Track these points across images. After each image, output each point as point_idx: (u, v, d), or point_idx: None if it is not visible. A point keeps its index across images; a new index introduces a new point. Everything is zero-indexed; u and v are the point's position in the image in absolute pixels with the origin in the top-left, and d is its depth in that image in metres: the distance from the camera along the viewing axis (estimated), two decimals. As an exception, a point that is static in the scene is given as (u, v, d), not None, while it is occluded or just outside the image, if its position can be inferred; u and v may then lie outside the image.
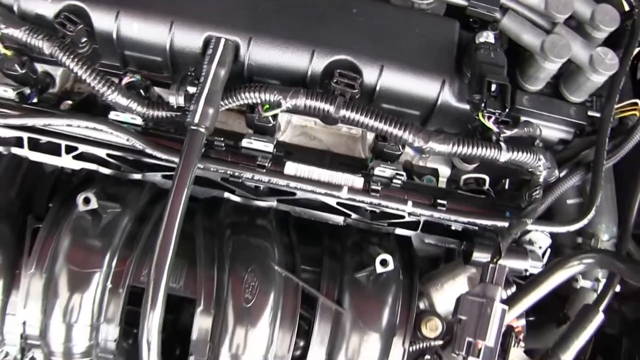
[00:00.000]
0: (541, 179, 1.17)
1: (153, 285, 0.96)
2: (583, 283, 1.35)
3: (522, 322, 1.28)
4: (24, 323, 1.09)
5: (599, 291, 1.21)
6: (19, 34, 1.07)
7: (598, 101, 1.30)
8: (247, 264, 1.10)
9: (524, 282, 1.09)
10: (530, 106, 1.24)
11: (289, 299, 1.10)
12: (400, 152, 1.19)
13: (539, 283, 1.01)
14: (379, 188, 1.14)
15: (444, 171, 1.36)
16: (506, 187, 1.34)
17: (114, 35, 1.12)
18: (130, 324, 1.12)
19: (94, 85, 1.07)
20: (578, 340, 1.07)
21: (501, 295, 0.94)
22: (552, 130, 1.27)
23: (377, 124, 1.07)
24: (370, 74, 1.13)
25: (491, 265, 0.96)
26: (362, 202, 1.14)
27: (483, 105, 1.07)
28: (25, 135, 1.13)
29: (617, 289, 1.37)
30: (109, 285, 1.07)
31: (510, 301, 1.00)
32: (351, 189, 1.13)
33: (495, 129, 1.09)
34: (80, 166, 1.16)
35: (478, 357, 0.91)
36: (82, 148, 1.13)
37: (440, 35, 1.17)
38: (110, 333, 1.08)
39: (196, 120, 1.03)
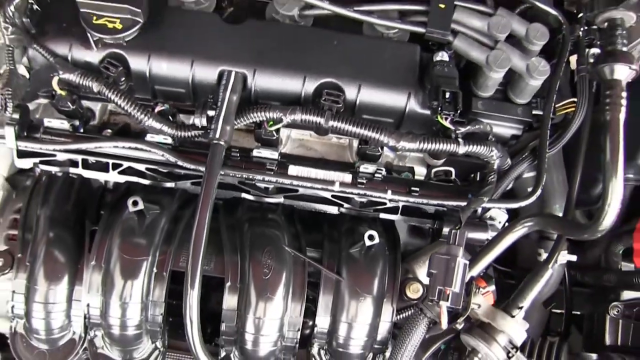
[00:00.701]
0: (495, 167, 1.44)
1: (191, 267, 1.22)
2: (544, 256, 1.62)
3: (492, 287, 1.55)
4: (88, 305, 1.36)
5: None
6: (73, 77, 1.36)
7: (541, 101, 1.59)
8: (262, 248, 1.38)
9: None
10: (484, 109, 1.52)
11: (298, 274, 1.39)
12: (379, 153, 1.46)
13: (493, 245, 1.28)
14: (364, 181, 1.42)
15: (420, 170, 1.63)
16: (477, 179, 1.62)
17: (147, 74, 1.40)
18: (173, 301, 1.39)
19: (133, 113, 1.35)
20: (532, 291, 1.34)
21: (462, 253, 1.21)
22: (505, 128, 1.54)
23: (358, 130, 1.35)
24: (351, 92, 1.41)
25: (453, 231, 1.24)
26: (351, 193, 1.42)
27: (440, 109, 1.35)
28: (79, 157, 1.42)
29: (574, 258, 1.65)
30: (154, 270, 1.35)
31: (472, 261, 1.27)
32: (342, 184, 1.41)
33: (451, 127, 1.37)
34: (124, 179, 1.44)
35: (447, 300, 1.17)
36: (126, 164, 1.42)
37: (405, 58, 1.45)
38: (157, 309, 1.36)
39: (217, 135, 1.31)
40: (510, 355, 1.27)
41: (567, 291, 1.82)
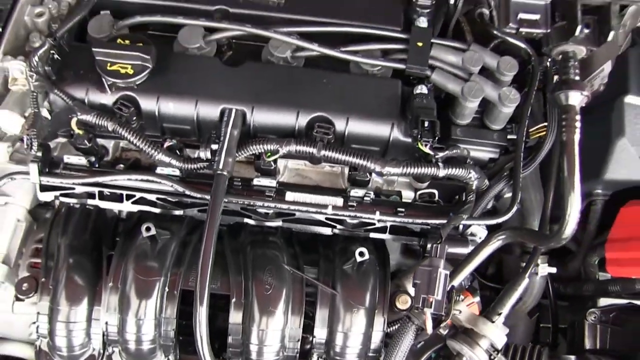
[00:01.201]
0: (473, 187, 1.59)
1: (200, 286, 1.35)
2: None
3: (477, 299, 1.68)
4: (106, 323, 1.49)
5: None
6: (90, 118, 1.51)
7: (516, 126, 1.73)
8: (264, 267, 1.52)
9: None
10: (463, 136, 1.67)
11: (296, 290, 1.52)
12: (368, 179, 1.61)
13: (472, 256, 1.42)
14: (354, 204, 1.56)
15: (408, 194, 1.77)
16: (460, 200, 1.76)
17: (156, 114, 1.55)
18: (183, 321, 1.53)
19: (144, 149, 1.50)
20: (510, 298, 1.47)
21: (443, 264, 1.35)
22: (483, 152, 1.68)
23: (347, 158, 1.50)
24: (340, 124, 1.56)
25: (435, 245, 1.38)
26: (343, 215, 1.56)
27: (420, 136, 1.50)
28: (96, 190, 1.57)
29: (554, 270, 1.78)
30: (166, 289, 1.48)
31: (453, 271, 1.41)
32: (334, 207, 1.56)
33: (431, 152, 1.52)
34: (137, 209, 1.59)
35: (430, 307, 1.30)
36: (138, 195, 1.57)
37: (388, 92, 1.61)
38: (169, 325, 1.49)
39: (220, 167, 1.46)
40: (492, 357, 1.40)
41: (553, 304, 1.95)
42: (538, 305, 1.96)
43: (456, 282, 1.40)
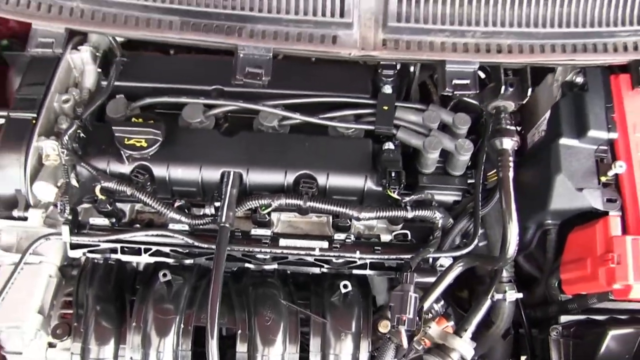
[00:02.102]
0: (439, 225, 1.86)
1: (210, 322, 1.58)
2: (497, 296, 2.00)
3: (451, 323, 1.92)
4: (131, 359, 1.74)
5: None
6: (111, 185, 1.79)
7: (474, 172, 2.02)
8: (264, 303, 1.77)
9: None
10: (428, 183, 1.94)
11: (292, 321, 1.78)
12: (349, 224, 1.89)
13: (438, 282, 1.69)
14: (338, 246, 1.83)
15: (386, 237, 2.01)
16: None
17: (167, 179, 1.83)
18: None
19: (158, 209, 1.78)
20: (475, 317, 1.72)
21: (413, 289, 1.61)
22: (447, 196, 1.94)
23: (329, 207, 1.78)
24: (321, 179, 1.83)
25: (405, 273, 1.64)
26: (329, 256, 1.83)
27: (388, 185, 1.79)
28: (118, 245, 1.84)
29: (521, 295, 2.01)
30: (181, 326, 1.74)
31: (424, 295, 1.67)
32: (321, 249, 1.82)
33: (399, 197, 1.80)
34: (153, 260, 1.86)
35: (404, 324, 1.56)
36: (154, 248, 1.84)
37: (361, 150, 1.89)
38: (185, 357, 1.73)
39: (223, 220, 1.73)
40: (462, 364, 1.65)
41: (527, 329, 2.18)
42: (516, 332, 2.19)
43: (427, 304, 1.66)
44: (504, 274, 1.93)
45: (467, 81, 1.79)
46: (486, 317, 1.95)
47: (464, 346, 1.65)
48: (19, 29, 2.34)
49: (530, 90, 1.98)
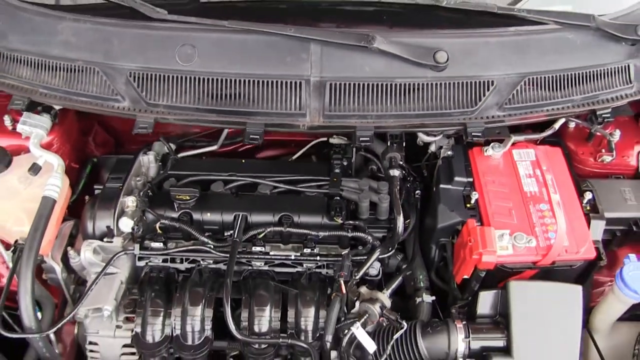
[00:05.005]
0: (370, 242, 2.94)
1: (225, 296, 2.62)
2: (417, 299, 2.90)
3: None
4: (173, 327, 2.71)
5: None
6: (167, 222, 2.92)
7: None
8: (259, 285, 2.77)
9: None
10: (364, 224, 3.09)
11: (277, 297, 2.73)
12: (313, 245, 2.98)
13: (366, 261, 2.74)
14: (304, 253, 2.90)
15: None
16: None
17: (200, 219, 2.93)
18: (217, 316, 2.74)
19: (196, 235, 2.88)
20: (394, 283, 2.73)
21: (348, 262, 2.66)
22: (376, 232, 3.00)
23: (300, 230, 2.89)
24: (295, 217, 2.82)
25: (344, 253, 2.71)
26: (299, 259, 2.89)
27: (334, 214, 2.91)
28: (168, 257, 2.90)
29: (434, 298, 2.98)
30: (207, 298, 2.73)
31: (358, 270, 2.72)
32: (295, 256, 2.90)
33: (342, 221, 2.91)
34: (190, 266, 2.91)
35: (342, 277, 2.58)
36: (191, 257, 2.90)
37: (320, 202, 2.94)
38: (208, 317, 2.70)
39: (235, 237, 2.85)
40: (384, 310, 2.61)
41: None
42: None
43: (360, 273, 2.69)
44: (422, 284, 2.74)
45: (368, 139, 2.91)
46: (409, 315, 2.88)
47: (384, 298, 2.64)
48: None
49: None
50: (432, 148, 3.20)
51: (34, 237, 2.59)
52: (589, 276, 2.84)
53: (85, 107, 2.84)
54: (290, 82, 2.73)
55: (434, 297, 2.68)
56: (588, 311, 2.84)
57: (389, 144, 2.98)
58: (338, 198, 3.02)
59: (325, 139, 3.41)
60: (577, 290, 2.62)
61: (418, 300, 2.69)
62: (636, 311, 2.68)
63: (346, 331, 2.55)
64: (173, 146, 3.31)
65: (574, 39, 2.89)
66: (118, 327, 2.78)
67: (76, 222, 2.93)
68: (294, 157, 3.32)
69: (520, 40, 2.78)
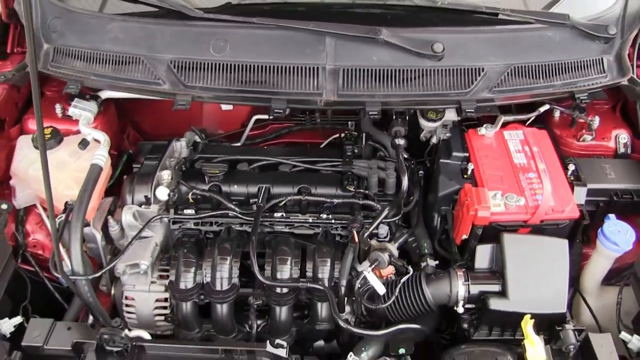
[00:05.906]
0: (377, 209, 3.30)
1: (252, 249, 2.97)
2: (422, 264, 3.25)
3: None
4: (204, 276, 3.04)
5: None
6: (199, 192, 3.29)
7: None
8: (281, 242, 3.11)
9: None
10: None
11: (296, 253, 3.05)
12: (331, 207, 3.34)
13: (376, 218, 3.09)
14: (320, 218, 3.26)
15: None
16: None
17: (228, 190, 3.32)
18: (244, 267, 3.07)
19: (225, 202, 3.25)
20: (400, 239, 3.07)
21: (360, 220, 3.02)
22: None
23: (317, 198, 3.27)
24: (313, 189, 3.36)
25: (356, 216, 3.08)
26: (316, 223, 3.24)
27: (347, 184, 3.31)
28: (200, 221, 3.26)
29: (437, 262, 3.32)
30: (235, 252, 3.06)
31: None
32: (313, 220, 3.26)
33: (353, 190, 3.29)
34: (219, 229, 3.26)
35: (355, 228, 2.94)
36: (220, 221, 3.26)
37: (334, 177, 3.42)
38: (235, 268, 3.01)
39: (259, 203, 3.22)
40: (392, 258, 2.94)
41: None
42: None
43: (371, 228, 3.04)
44: (426, 250, 3.03)
45: (376, 112, 3.28)
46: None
47: (392, 247, 2.97)
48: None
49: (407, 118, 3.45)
50: (434, 140, 3.61)
51: (83, 196, 2.96)
52: (576, 236, 3.18)
53: (131, 90, 3.28)
54: (309, 68, 3.16)
55: (437, 262, 2.94)
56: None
57: (394, 118, 3.38)
58: (350, 173, 3.40)
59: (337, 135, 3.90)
60: (563, 242, 2.95)
61: (423, 264, 2.94)
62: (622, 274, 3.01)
63: (359, 275, 2.87)
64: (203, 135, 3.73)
65: (553, 36, 3.33)
66: (152, 282, 3.11)
67: (114, 199, 3.26)
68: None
69: (504, 36, 3.15)
